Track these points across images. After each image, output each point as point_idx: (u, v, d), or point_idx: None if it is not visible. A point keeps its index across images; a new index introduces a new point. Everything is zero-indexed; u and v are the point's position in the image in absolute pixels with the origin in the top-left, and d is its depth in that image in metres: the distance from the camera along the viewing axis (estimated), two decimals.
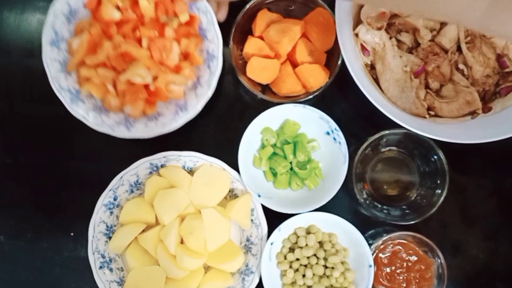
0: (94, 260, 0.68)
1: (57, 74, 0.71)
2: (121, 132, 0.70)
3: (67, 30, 0.72)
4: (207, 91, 0.70)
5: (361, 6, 0.67)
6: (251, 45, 0.72)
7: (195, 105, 0.70)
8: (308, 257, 0.69)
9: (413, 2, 0.50)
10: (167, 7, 0.71)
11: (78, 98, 0.71)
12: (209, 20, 0.71)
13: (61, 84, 0.71)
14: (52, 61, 0.71)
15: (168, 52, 0.70)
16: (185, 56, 0.73)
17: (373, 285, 0.68)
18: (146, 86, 0.71)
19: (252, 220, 0.70)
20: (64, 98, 0.71)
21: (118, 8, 0.71)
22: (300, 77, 0.71)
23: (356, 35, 0.69)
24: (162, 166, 0.70)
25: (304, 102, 0.71)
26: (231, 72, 0.75)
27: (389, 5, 0.59)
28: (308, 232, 0.70)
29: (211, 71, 0.71)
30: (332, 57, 0.72)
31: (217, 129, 0.76)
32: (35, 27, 0.79)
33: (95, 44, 0.71)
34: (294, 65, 0.72)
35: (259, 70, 0.71)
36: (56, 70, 0.71)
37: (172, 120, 0.70)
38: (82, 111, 0.71)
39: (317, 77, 0.70)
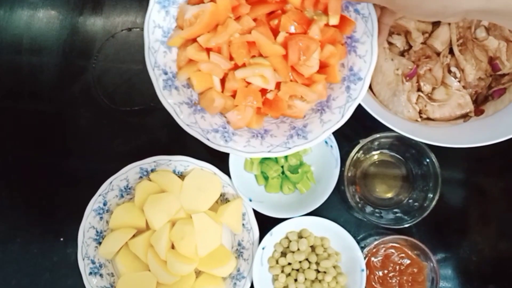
0: (84, 266, 0.68)
1: (156, 46, 0.55)
2: (216, 142, 0.55)
3: None
4: (338, 120, 0.55)
5: None
6: None
7: (318, 134, 0.55)
8: (300, 262, 0.68)
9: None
10: None
11: (172, 84, 0.55)
12: (368, 30, 0.55)
13: (157, 59, 0.55)
14: (155, 26, 0.55)
15: (309, 55, 0.54)
16: (321, 67, 0.56)
17: None
18: (264, 92, 0.56)
19: (243, 224, 0.69)
20: (157, 79, 0.55)
21: None
22: None
23: None
24: (152, 170, 0.70)
25: None
26: None
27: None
28: (300, 237, 0.69)
29: (350, 95, 0.55)
30: None
31: None
32: (24, 23, 0.78)
33: (216, 21, 0.54)
34: None
35: None
36: (156, 40, 0.55)
37: (284, 145, 0.55)
38: (174, 102, 0.55)
39: None
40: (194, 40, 0.55)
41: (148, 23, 0.55)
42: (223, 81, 0.56)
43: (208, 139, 0.55)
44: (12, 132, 0.77)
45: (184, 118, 0.55)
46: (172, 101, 0.55)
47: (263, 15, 0.55)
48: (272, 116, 0.58)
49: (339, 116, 0.55)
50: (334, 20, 0.55)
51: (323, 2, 0.55)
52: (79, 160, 0.75)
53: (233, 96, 0.56)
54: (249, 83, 0.55)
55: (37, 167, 0.76)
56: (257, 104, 0.55)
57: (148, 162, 0.69)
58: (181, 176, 0.70)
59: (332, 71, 0.56)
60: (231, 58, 0.55)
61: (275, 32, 0.55)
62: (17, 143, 0.77)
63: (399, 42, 0.68)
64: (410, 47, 0.68)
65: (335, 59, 0.56)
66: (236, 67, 0.55)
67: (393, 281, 0.69)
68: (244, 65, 0.55)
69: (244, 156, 0.56)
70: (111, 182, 0.68)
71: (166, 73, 0.56)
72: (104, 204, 0.69)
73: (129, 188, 0.70)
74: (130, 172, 0.69)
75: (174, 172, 0.70)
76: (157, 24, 0.55)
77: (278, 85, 0.56)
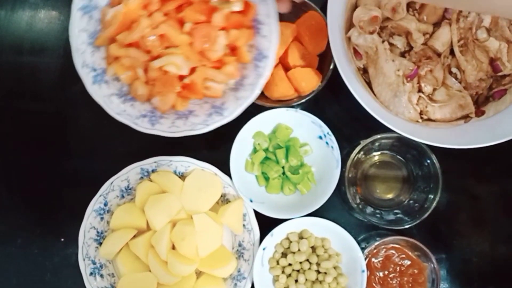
0: (84, 266, 0.68)
1: (83, 47, 0.62)
2: (143, 126, 0.62)
3: None
4: (249, 95, 0.62)
5: (353, 10, 0.67)
6: None
7: (233, 110, 0.62)
8: (300, 262, 0.68)
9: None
10: None
11: (102, 79, 0.62)
12: (269, 13, 0.61)
13: (85, 59, 0.61)
14: (80, 31, 0.61)
15: (212, 42, 0.61)
16: (232, 50, 0.64)
17: None
18: (181, 78, 0.63)
19: (244, 225, 0.69)
20: (86, 76, 0.61)
21: None
22: (292, 81, 0.70)
23: (349, 38, 0.68)
24: (153, 171, 0.70)
25: (297, 106, 0.71)
26: None
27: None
28: (301, 237, 0.69)
29: (258, 72, 0.62)
30: (324, 60, 0.71)
31: (208, 133, 0.74)
32: (25, 24, 0.78)
33: (131, 19, 0.61)
34: (286, 68, 0.71)
35: None
36: (82, 42, 0.62)
37: (203, 122, 0.62)
38: (104, 95, 0.61)
39: (309, 81, 0.70)
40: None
41: (72, 28, 0.61)
42: (147, 72, 0.62)
43: (136, 124, 0.61)
44: (12, 132, 0.77)
45: (114, 108, 0.61)
46: (101, 94, 0.61)
47: (172, 10, 0.61)
48: (196, 98, 0.64)
49: (251, 93, 0.62)
50: (237, 7, 0.61)
51: None
52: (80, 161, 0.75)
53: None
54: (166, 72, 0.62)
55: (37, 167, 0.76)
56: (177, 89, 0.62)
57: (149, 163, 0.69)
58: (182, 176, 0.70)
59: (241, 52, 0.63)
60: (148, 51, 0.61)
61: (183, 23, 0.61)
62: (17, 143, 0.77)
63: (400, 43, 0.68)
64: (411, 48, 0.68)
65: (241, 42, 0.62)
66: (153, 58, 0.61)
67: (394, 282, 0.69)
68: (159, 56, 0.62)
69: (169, 136, 0.62)
70: (112, 183, 0.68)
71: (95, 70, 0.62)
72: (105, 205, 0.69)
73: (130, 189, 0.70)
74: (131, 172, 0.69)
75: (175, 172, 0.70)
76: (82, 28, 0.62)
77: (193, 71, 0.62)
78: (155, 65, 0.61)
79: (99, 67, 0.63)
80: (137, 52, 0.61)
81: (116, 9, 0.61)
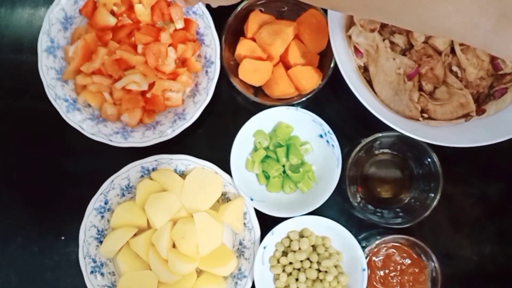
0: (85, 265, 0.68)
1: (53, 82, 0.70)
2: (117, 141, 0.69)
3: (64, 37, 0.72)
4: (205, 98, 0.69)
5: None
6: (243, 47, 0.71)
7: (193, 113, 0.69)
8: (301, 261, 0.68)
9: (410, 18, 0.45)
10: (163, 12, 0.71)
11: (74, 106, 0.70)
12: (206, 25, 0.70)
13: (57, 92, 0.69)
14: (48, 69, 0.70)
15: (164, 57, 0.69)
16: (183, 62, 0.72)
17: None
18: (143, 94, 0.70)
19: (244, 223, 0.69)
20: (60, 107, 0.69)
21: (113, 13, 0.71)
22: (293, 79, 0.70)
23: (349, 37, 0.68)
24: (153, 169, 0.70)
25: (297, 105, 0.71)
26: (223, 74, 0.74)
27: (380, 17, 0.51)
28: (301, 236, 0.69)
29: (208, 77, 0.70)
30: (325, 59, 0.71)
31: (209, 132, 0.75)
32: (25, 22, 0.79)
33: (90, 51, 0.70)
34: (287, 67, 0.71)
35: (251, 72, 0.70)
36: (52, 78, 0.70)
37: (170, 129, 0.69)
38: (78, 121, 0.69)
39: (310, 79, 0.70)
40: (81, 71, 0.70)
41: (42, 67, 0.69)
42: (113, 94, 0.71)
43: (111, 140, 0.68)
44: (13, 131, 0.77)
45: (88, 130, 0.69)
46: (76, 120, 0.69)
47: (124, 37, 0.70)
48: (160, 110, 0.72)
49: (205, 96, 0.69)
50: (179, 25, 0.71)
51: (167, 13, 0.70)
52: (80, 159, 0.75)
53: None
54: (129, 90, 0.69)
55: (38, 166, 0.76)
56: (141, 104, 0.70)
57: (149, 161, 0.69)
58: (182, 175, 0.70)
59: (190, 63, 0.71)
60: (110, 76, 0.69)
61: (135, 46, 0.70)
62: (18, 141, 0.77)
63: (400, 41, 0.68)
64: (412, 46, 0.68)
65: (189, 54, 0.71)
66: (115, 81, 0.70)
67: (394, 280, 0.69)
68: (120, 78, 0.70)
69: (141, 146, 0.68)
70: (112, 181, 0.68)
71: (67, 100, 0.70)
72: (105, 203, 0.69)
73: (130, 187, 0.70)
74: (131, 170, 0.69)
75: (175, 171, 0.70)
76: (49, 66, 0.70)
77: (152, 86, 0.70)
78: (118, 86, 0.69)
79: (70, 97, 0.70)
80: (101, 78, 0.70)
81: (76, 45, 0.70)
